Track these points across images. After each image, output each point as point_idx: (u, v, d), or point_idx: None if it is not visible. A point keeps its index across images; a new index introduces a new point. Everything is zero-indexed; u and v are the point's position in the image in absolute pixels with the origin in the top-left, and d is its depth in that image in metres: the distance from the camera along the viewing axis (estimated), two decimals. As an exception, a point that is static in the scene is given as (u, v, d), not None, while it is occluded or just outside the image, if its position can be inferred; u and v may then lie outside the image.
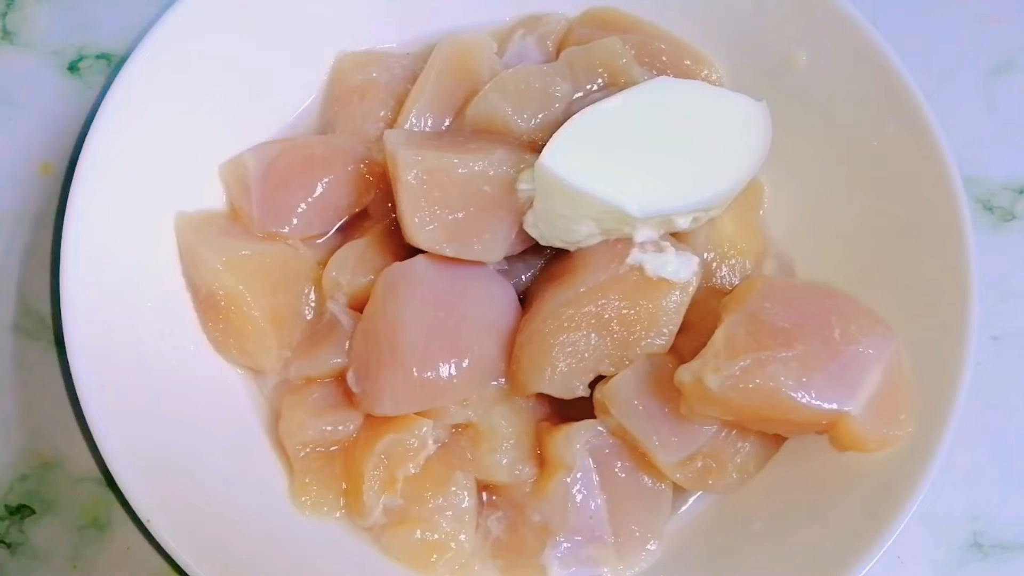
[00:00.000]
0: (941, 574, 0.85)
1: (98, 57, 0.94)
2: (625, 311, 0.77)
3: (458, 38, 0.87)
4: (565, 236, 0.78)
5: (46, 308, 0.87)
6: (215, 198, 0.85)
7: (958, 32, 1.00)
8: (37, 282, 0.87)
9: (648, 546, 0.79)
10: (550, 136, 0.77)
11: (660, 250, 0.77)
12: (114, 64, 0.94)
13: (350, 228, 0.86)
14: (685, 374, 0.74)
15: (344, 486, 0.78)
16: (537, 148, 0.78)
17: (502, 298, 0.80)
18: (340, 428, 0.79)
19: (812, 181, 0.86)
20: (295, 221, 0.83)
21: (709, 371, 0.73)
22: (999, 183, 0.96)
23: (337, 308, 0.81)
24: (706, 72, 0.89)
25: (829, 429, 0.75)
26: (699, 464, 0.77)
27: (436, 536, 0.77)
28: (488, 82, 0.84)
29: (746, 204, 0.85)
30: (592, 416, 0.78)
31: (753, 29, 0.87)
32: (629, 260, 0.77)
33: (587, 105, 0.79)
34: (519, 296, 0.82)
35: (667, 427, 0.76)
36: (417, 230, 0.77)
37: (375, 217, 0.85)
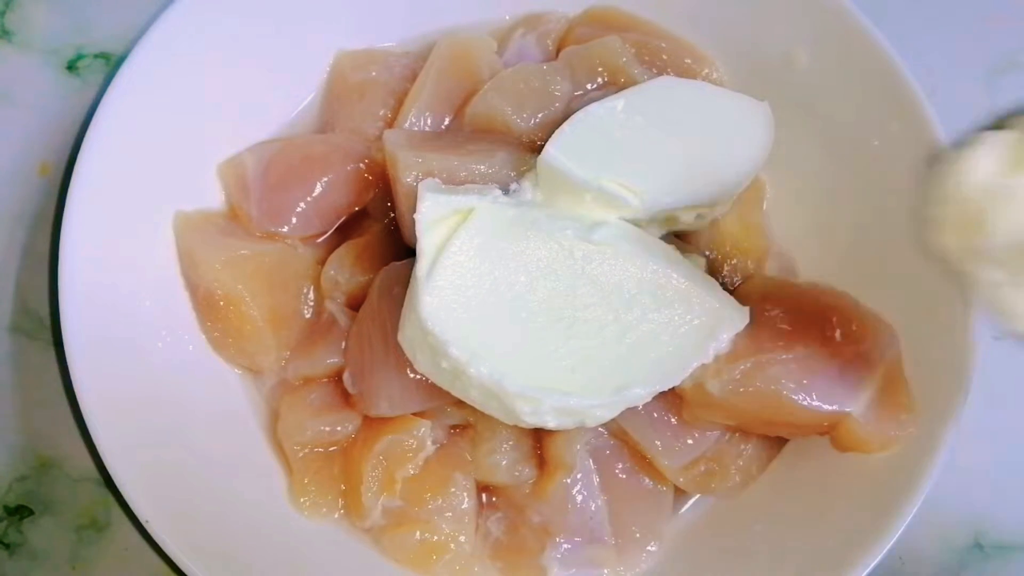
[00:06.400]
0: (943, 575, 0.85)
1: (97, 56, 0.94)
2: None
3: (458, 37, 0.87)
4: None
5: (44, 308, 0.86)
6: (214, 197, 0.85)
7: (959, 32, 1.00)
8: (35, 282, 0.87)
9: (648, 547, 0.79)
10: (550, 135, 0.77)
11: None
12: (113, 63, 0.93)
13: (349, 227, 0.85)
14: (686, 379, 0.73)
15: (343, 487, 0.78)
16: (537, 148, 0.78)
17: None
18: (339, 429, 0.78)
19: (813, 181, 0.86)
20: (294, 220, 0.83)
21: (710, 375, 0.73)
22: (1000, 183, 0.96)
23: (335, 307, 0.81)
24: (707, 71, 0.88)
25: (831, 430, 0.75)
26: (702, 468, 0.77)
27: (436, 537, 0.76)
28: (488, 81, 0.84)
29: (748, 204, 0.85)
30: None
31: (754, 29, 0.87)
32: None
33: (587, 104, 0.78)
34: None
35: (670, 432, 0.76)
36: (416, 232, 0.77)
37: (374, 216, 0.84)
